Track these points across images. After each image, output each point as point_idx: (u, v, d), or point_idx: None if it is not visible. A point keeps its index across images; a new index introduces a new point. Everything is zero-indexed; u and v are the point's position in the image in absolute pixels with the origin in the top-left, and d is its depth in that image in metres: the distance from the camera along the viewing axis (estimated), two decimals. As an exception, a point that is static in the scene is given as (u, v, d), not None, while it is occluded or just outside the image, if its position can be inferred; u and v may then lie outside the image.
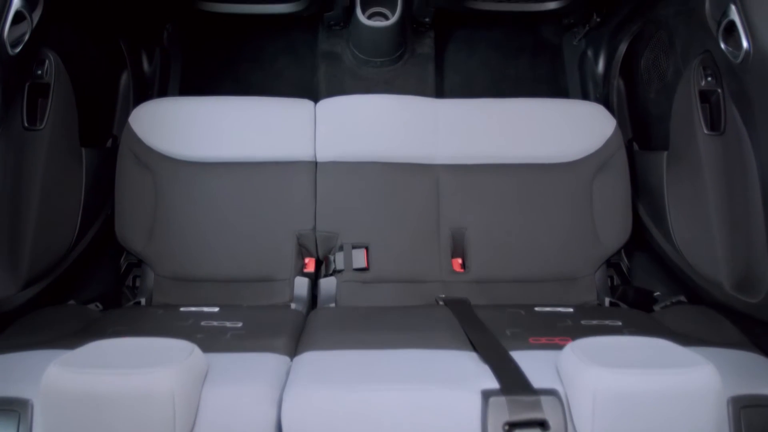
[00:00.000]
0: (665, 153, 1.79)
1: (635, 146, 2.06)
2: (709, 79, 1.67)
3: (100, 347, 1.12)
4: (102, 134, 1.99)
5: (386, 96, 1.95)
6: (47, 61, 1.65)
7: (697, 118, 1.66)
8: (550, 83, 2.48)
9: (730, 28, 1.50)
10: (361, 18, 2.16)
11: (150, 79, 2.31)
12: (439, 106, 1.91)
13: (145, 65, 2.29)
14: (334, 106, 1.90)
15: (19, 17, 1.47)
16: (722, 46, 1.52)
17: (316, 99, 2.35)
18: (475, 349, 1.27)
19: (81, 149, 1.76)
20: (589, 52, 2.39)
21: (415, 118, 1.89)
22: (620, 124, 2.15)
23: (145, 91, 2.29)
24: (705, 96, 1.67)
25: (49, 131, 1.63)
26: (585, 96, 2.39)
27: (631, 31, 2.09)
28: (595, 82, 2.35)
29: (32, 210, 1.57)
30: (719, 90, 1.64)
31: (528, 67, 2.50)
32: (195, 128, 1.85)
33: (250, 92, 2.42)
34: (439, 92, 2.40)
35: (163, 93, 2.34)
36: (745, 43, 1.43)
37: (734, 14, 1.47)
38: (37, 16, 1.59)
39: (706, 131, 1.64)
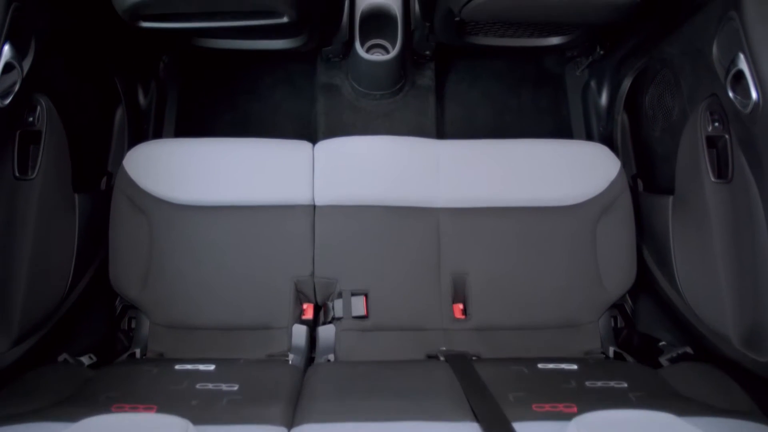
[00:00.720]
0: (671, 197, 1.76)
1: (640, 184, 2.03)
2: (716, 124, 1.63)
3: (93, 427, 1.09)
4: (96, 175, 1.95)
5: (385, 138, 1.91)
6: (39, 108, 1.61)
7: (704, 165, 1.62)
8: (552, 114, 2.44)
9: (739, 76, 1.46)
10: (361, 52, 2.13)
11: (146, 112, 2.27)
12: (440, 148, 1.87)
13: (141, 98, 2.26)
14: (332, 148, 1.87)
15: (8, 68, 1.43)
16: (730, 94, 1.49)
17: (314, 132, 2.35)
18: (476, 418, 1.23)
19: (74, 195, 1.73)
20: (592, 84, 2.35)
21: (415, 160, 1.85)
22: (624, 160, 2.12)
23: (141, 125, 2.25)
24: (712, 141, 1.64)
25: (41, 180, 1.59)
26: (588, 128, 2.36)
27: (636, 66, 2.05)
28: (599, 114, 2.32)
29: (23, 262, 1.53)
30: (726, 136, 1.60)
31: (530, 97, 2.46)
32: (190, 171, 1.81)
33: (248, 124, 2.39)
34: (440, 124, 2.37)
35: (159, 126, 2.31)
36: (754, 94, 1.39)
37: (743, 63, 1.43)
38: (27, 64, 1.55)
39: (713, 179, 1.61)
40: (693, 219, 1.67)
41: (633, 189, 1.93)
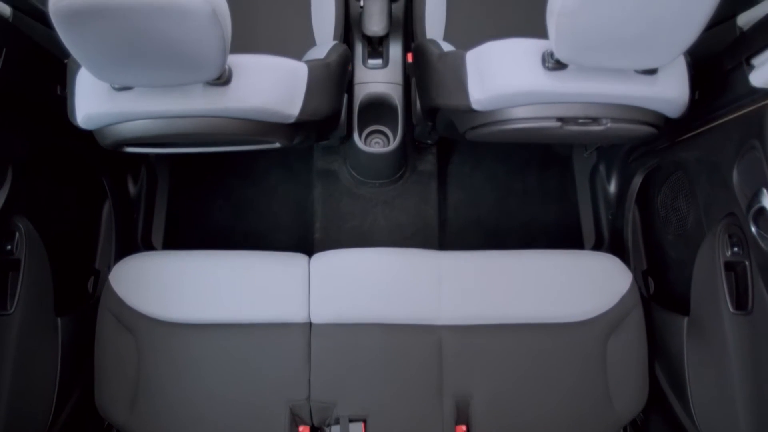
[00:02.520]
0: (686, 319, 1.67)
1: (651, 284, 1.94)
2: (735, 249, 1.54)
3: None
4: (81, 287, 1.87)
5: (384, 250, 1.82)
6: (17, 234, 1.53)
7: (722, 293, 1.53)
8: (559, 199, 2.34)
9: (761, 211, 1.38)
10: (359, 144, 2.03)
11: (136, 200, 2.19)
12: (441, 260, 1.78)
13: (131, 186, 2.17)
14: (329, 262, 1.77)
15: None
16: (753, 229, 1.40)
17: (310, 220, 2.26)
18: None
19: (56, 320, 1.64)
20: (601, 167, 2.26)
21: (416, 274, 1.76)
22: (635, 257, 2.03)
23: (131, 214, 2.17)
24: (730, 265, 1.55)
25: (21, 312, 1.51)
26: (596, 214, 2.26)
27: (647, 164, 1.96)
28: (607, 200, 2.22)
29: (3, 397, 1.45)
30: (746, 262, 1.51)
31: (536, 180, 2.37)
32: (180, 287, 1.73)
33: (242, 210, 2.30)
34: (442, 210, 2.28)
35: (149, 214, 2.21)
36: None
37: (766, 200, 1.35)
38: (5, 193, 1.47)
39: (732, 309, 1.52)
40: (710, 347, 1.58)
41: (644, 297, 1.85)
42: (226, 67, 1.29)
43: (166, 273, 1.74)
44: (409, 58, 2.03)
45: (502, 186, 2.35)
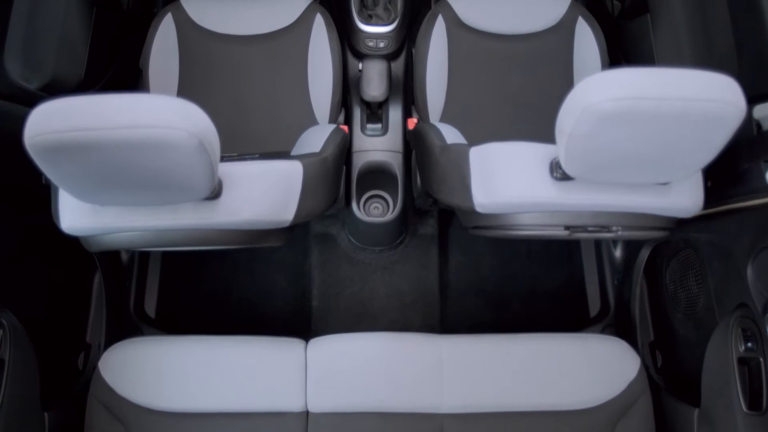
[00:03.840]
0: (696, 411, 1.61)
1: (659, 358, 1.88)
2: (749, 344, 1.49)
3: None
4: (71, 361, 1.81)
5: (383, 335, 1.76)
6: (1, 331, 1.47)
7: (735, 391, 1.48)
8: (563, 263, 2.28)
9: None
10: (358, 214, 1.97)
11: (128, 269, 2.12)
12: (443, 345, 1.72)
13: (122, 254, 2.11)
14: (327, 348, 1.71)
15: None
16: None
17: (308, 284, 2.20)
18: None
19: (43, 415, 1.58)
20: None
21: (417, 360, 1.69)
22: (642, 329, 1.98)
23: (123, 283, 2.10)
24: (743, 360, 1.50)
25: (4, 411, 1.45)
26: (602, 280, 2.20)
27: (656, 238, 1.90)
28: (613, 266, 2.17)
29: None
30: (761, 359, 1.46)
31: (540, 243, 2.30)
32: (172, 374, 1.66)
33: (236, 275, 2.23)
34: (443, 275, 2.21)
35: (142, 283, 2.15)
36: None
37: None
38: None
39: (745, 409, 1.46)
40: None
41: (650, 376, 1.79)
42: (216, 179, 1.23)
43: (157, 360, 1.68)
44: (410, 124, 1.97)
45: (505, 249, 2.28)
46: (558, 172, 1.26)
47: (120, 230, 1.29)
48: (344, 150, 1.63)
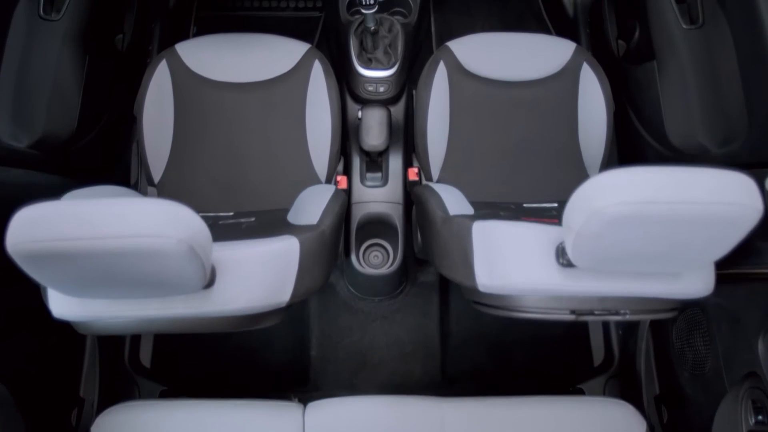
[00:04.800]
0: None
1: (665, 413, 1.85)
2: (760, 417, 1.45)
3: None
4: (63, 417, 1.78)
5: (382, 399, 1.71)
6: None
7: None
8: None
9: None
10: (357, 266, 1.93)
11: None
12: (444, 408, 1.67)
13: None
14: (325, 413, 1.66)
15: None
16: None
17: (307, 333, 2.15)
18: None
19: None
20: None
21: (417, 425, 1.65)
22: (647, 383, 1.94)
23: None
24: None
25: None
26: (606, 328, 2.16)
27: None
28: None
29: None
30: None
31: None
32: None
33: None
34: (444, 324, 2.17)
35: (136, 335, 2.11)
36: None
37: None
38: None
39: None
40: None
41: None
42: (209, 272, 1.19)
43: (151, 426, 1.64)
44: (410, 174, 1.92)
45: None
46: (564, 259, 1.21)
47: (108, 319, 1.25)
48: (342, 217, 1.58)
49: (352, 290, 2.11)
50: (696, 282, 1.29)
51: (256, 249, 1.31)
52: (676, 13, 1.79)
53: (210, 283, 1.20)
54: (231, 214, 1.67)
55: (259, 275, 1.28)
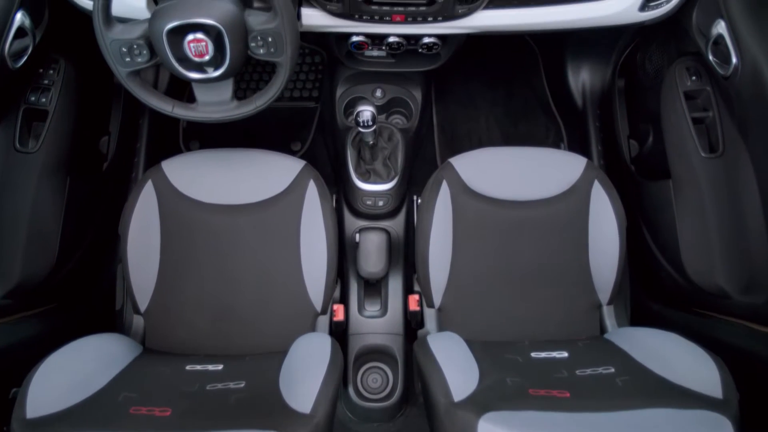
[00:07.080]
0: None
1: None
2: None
3: None
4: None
5: None
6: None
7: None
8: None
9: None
10: (355, 399, 1.82)
11: None
12: None
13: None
14: None
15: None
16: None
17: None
18: None
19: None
20: None
21: None
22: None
23: None
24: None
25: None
26: None
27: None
28: None
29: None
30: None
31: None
32: None
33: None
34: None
35: None
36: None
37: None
38: None
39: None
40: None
41: None
42: None
43: None
44: (411, 303, 1.82)
45: None
46: None
47: None
48: (336, 400, 1.47)
49: (350, 416, 2.00)
50: None
51: None
52: (695, 141, 1.69)
53: None
54: (220, 368, 1.55)
55: None
